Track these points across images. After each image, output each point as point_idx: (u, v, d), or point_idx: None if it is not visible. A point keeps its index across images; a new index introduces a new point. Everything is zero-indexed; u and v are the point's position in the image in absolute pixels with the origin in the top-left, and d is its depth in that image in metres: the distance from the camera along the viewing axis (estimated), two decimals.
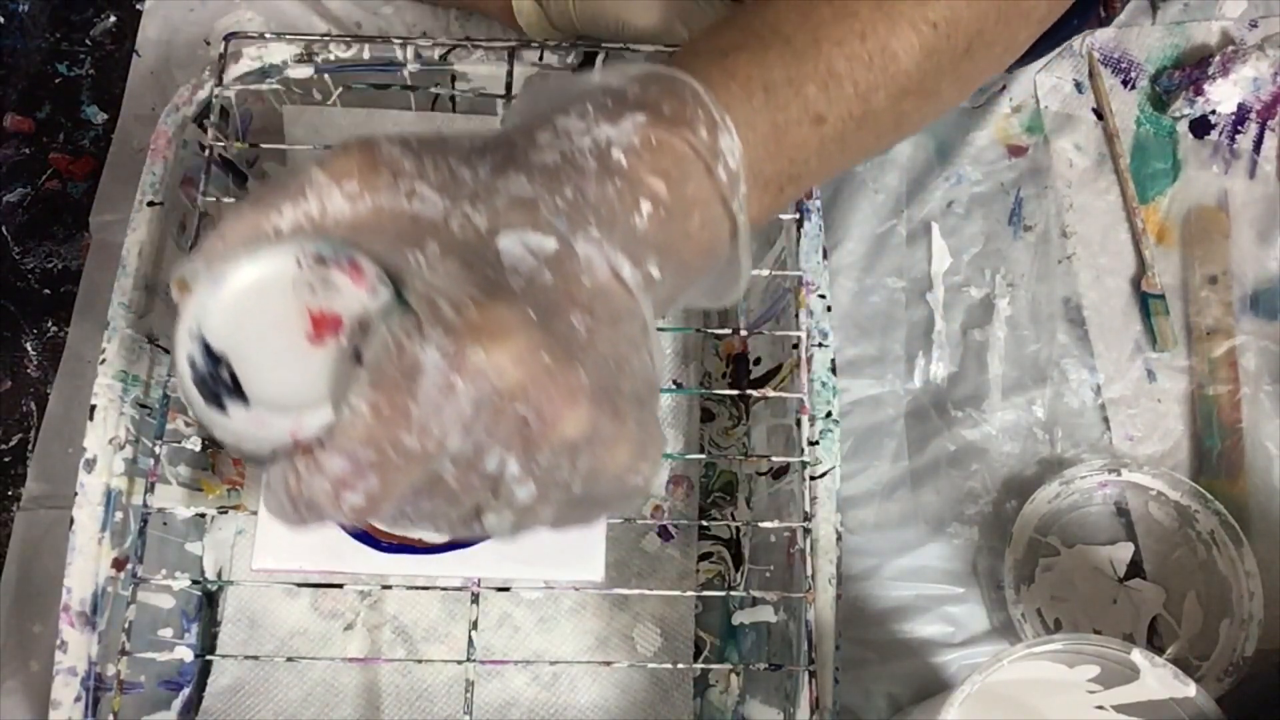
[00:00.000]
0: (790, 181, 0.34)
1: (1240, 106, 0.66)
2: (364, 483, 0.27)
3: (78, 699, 0.46)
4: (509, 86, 0.55)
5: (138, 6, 0.69)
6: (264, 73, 0.55)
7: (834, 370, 0.51)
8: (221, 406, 0.27)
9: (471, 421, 0.27)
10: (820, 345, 0.51)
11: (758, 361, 0.59)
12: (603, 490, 0.30)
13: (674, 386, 0.60)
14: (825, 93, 0.33)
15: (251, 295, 0.28)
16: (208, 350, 0.27)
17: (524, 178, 0.30)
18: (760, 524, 0.50)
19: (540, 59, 0.55)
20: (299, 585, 0.49)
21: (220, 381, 0.27)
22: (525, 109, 0.33)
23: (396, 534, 0.44)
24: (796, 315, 0.51)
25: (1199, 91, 0.65)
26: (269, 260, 0.28)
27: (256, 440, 0.28)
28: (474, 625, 0.47)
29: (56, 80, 0.68)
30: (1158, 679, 0.44)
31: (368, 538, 0.45)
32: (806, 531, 0.48)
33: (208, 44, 0.67)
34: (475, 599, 0.47)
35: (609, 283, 0.29)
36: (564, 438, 0.28)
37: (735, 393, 0.57)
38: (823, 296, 0.51)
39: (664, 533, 0.57)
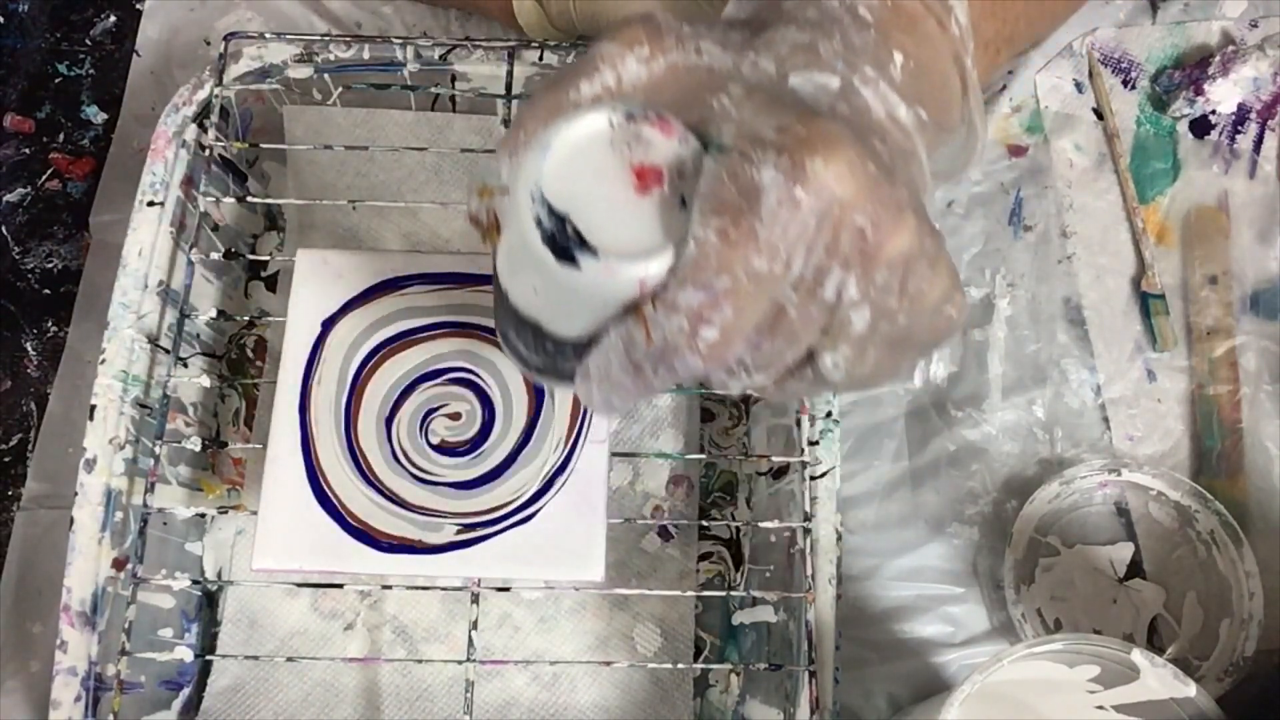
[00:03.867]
0: (1005, 44, 0.36)
1: (1240, 106, 0.66)
2: (719, 313, 0.28)
3: (78, 699, 0.46)
4: (509, 86, 0.55)
5: (138, 6, 0.69)
6: (264, 73, 0.55)
7: None
8: (573, 261, 0.29)
9: (814, 237, 0.28)
10: None
11: None
12: (921, 325, 0.31)
13: (674, 386, 0.60)
14: None
15: (577, 156, 0.30)
16: (551, 210, 0.29)
17: (795, 28, 0.31)
18: (760, 524, 0.50)
19: (540, 59, 0.55)
20: (299, 585, 0.49)
21: (569, 238, 0.29)
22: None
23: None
24: None
25: (1199, 91, 0.65)
26: (584, 123, 0.30)
27: (603, 294, 0.29)
28: (474, 625, 0.47)
29: (56, 80, 0.68)
30: (1158, 679, 0.44)
31: (368, 538, 0.45)
32: (806, 531, 0.48)
33: (208, 44, 0.67)
34: (475, 599, 0.47)
35: (887, 122, 0.31)
36: (898, 250, 0.29)
37: None
38: None
39: (664, 533, 0.57)
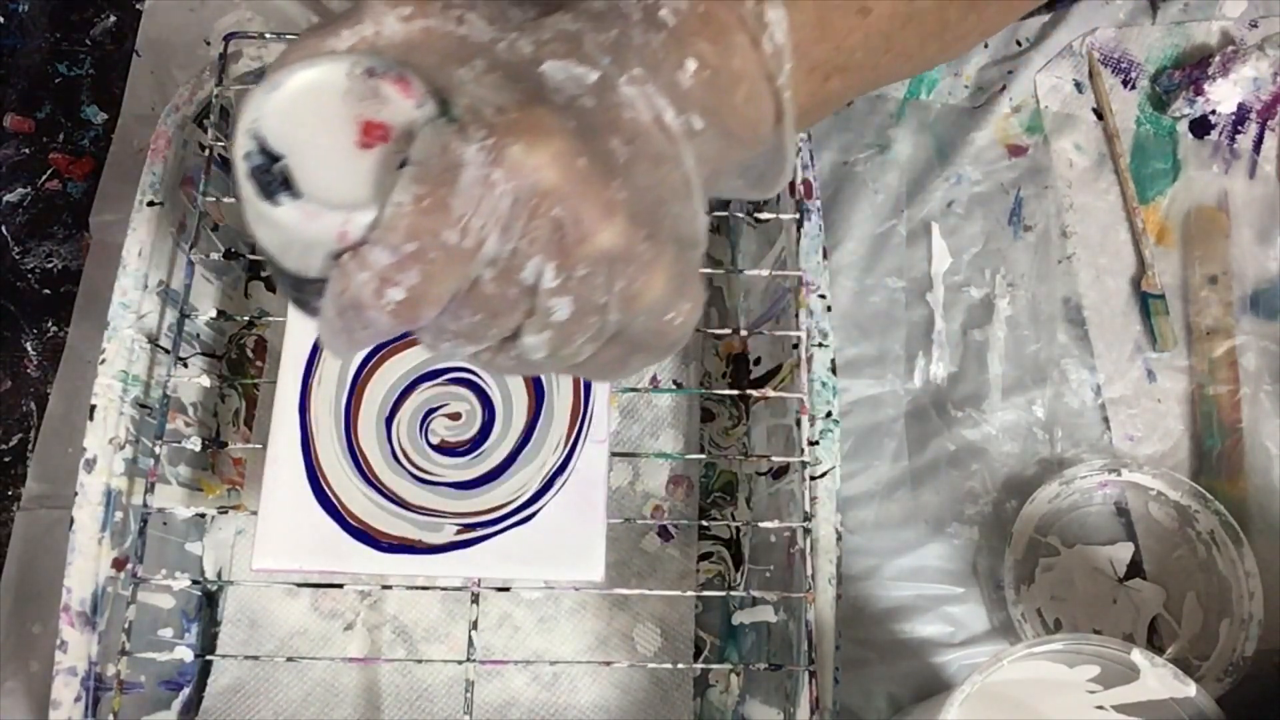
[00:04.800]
0: (837, 71, 0.34)
1: (1240, 106, 0.66)
2: (406, 276, 0.28)
3: (78, 699, 0.46)
4: None
5: (138, 6, 0.69)
6: (264, 73, 0.55)
7: (834, 370, 0.51)
8: (274, 200, 0.29)
9: (509, 221, 0.28)
10: (820, 345, 0.51)
11: (758, 361, 0.59)
12: (640, 327, 0.31)
13: (674, 386, 0.60)
14: None
15: (306, 99, 0.30)
16: (263, 148, 0.29)
17: (570, 16, 0.31)
18: (760, 524, 0.50)
19: None
20: (299, 585, 0.49)
21: (274, 176, 0.29)
22: None
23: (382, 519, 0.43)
24: (796, 315, 0.51)
25: (1199, 91, 0.65)
26: (322, 68, 0.30)
27: (304, 237, 0.29)
28: (474, 625, 0.47)
29: (56, 80, 0.68)
30: (1158, 679, 0.44)
31: (368, 538, 0.45)
32: (806, 531, 0.48)
33: (208, 44, 0.67)
34: (475, 599, 0.47)
35: (650, 125, 0.30)
36: (599, 248, 0.29)
37: (735, 393, 0.57)
38: (823, 296, 0.51)
39: (664, 533, 0.57)
